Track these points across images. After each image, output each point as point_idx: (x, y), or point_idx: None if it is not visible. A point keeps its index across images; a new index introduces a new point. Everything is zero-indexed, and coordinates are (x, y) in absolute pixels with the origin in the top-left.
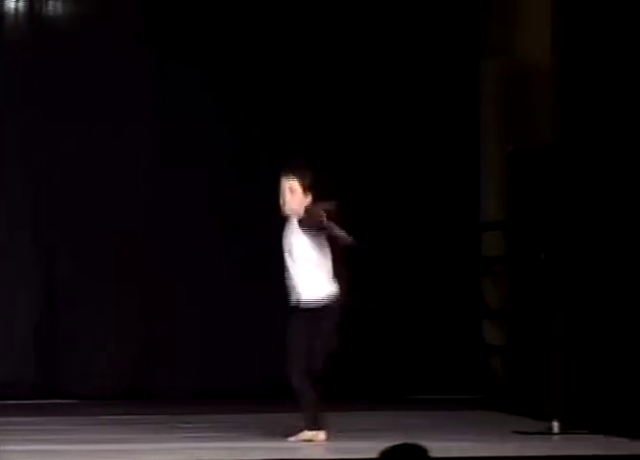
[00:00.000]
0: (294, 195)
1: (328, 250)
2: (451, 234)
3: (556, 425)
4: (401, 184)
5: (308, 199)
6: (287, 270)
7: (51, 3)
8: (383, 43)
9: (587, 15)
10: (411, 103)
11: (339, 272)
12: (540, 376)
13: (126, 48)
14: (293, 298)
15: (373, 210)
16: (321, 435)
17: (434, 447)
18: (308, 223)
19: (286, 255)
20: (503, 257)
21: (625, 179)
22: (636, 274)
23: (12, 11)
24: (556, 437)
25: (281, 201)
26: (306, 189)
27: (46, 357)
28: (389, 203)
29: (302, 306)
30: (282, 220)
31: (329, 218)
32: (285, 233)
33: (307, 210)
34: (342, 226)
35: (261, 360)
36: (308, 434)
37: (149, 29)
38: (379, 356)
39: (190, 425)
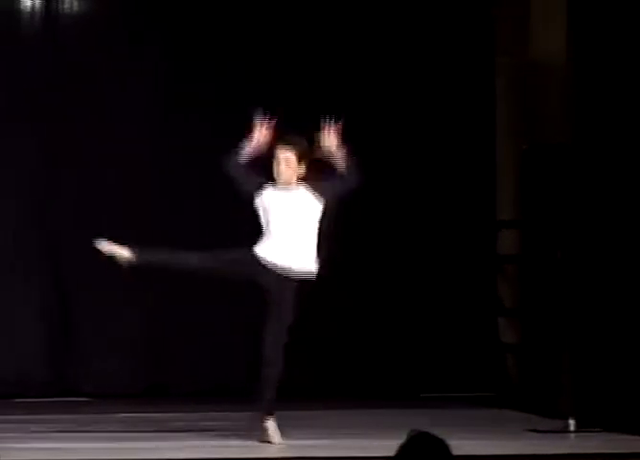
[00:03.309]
0: (289, 166)
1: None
2: (467, 232)
3: (572, 422)
4: (417, 181)
5: (302, 170)
6: (272, 236)
7: (67, 0)
8: (398, 41)
9: (602, 14)
10: (427, 102)
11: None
12: (555, 374)
13: (140, 46)
14: (280, 264)
15: (388, 207)
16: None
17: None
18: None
19: (278, 223)
20: (518, 255)
21: None
22: None
23: (29, 9)
24: (572, 435)
25: (275, 172)
26: (300, 159)
27: (59, 355)
28: (405, 201)
29: (291, 275)
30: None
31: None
32: (273, 203)
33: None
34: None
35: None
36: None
37: (163, 26)
38: (394, 354)
39: (211, 423)
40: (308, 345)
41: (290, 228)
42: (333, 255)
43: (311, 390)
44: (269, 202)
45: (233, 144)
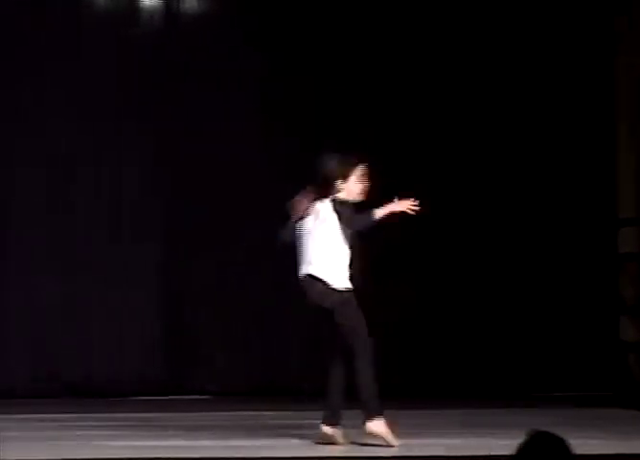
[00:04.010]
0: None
1: None
2: (587, 230)
3: None
4: (538, 180)
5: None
6: (343, 255)
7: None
8: (520, 46)
9: None
10: (548, 101)
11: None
12: None
13: (252, 47)
14: (348, 283)
15: (510, 206)
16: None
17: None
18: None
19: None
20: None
21: None
22: None
23: (149, 8)
24: None
25: (359, 190)
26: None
27: (174, 354)
28: (526, 199)
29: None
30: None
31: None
32: (351, 217)
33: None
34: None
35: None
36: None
37: (274, 29)
38: (511, 352)
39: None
40: (421, 345)
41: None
42: (450, 252)
43: (425, 390)
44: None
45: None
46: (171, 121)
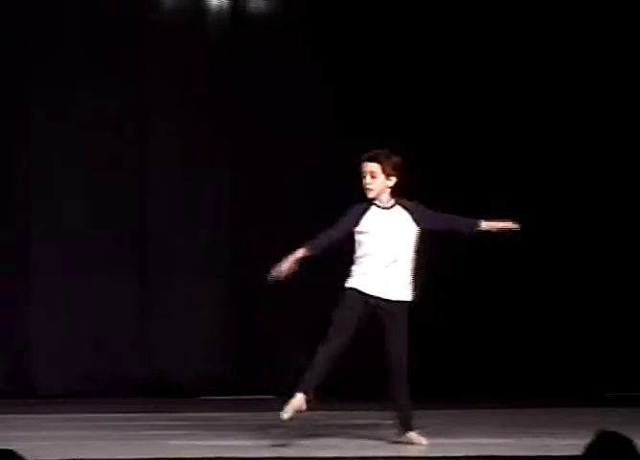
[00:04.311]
0: (375, 178)
1: None
2: None
3: None
4: (602, 182)
5: (392, 183)
6: (367, 261)
7: (253, 0)
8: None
9: None
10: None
11: None
12: None
13: (319, 48)
14: (350, 283)
15: (584, 206)
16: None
17: None
18: None
19: (373, 247)
20: None
21: None
22: None
23: (216, 8)
24: None
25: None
26: (389, 173)
27: (244, 354)
28: (600, 200)
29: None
30: None
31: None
32: (368, 226)
33: None
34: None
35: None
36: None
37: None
38: (580, 352)
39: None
40: (492, 344)
41: (386, 251)
42: (525, 253)
43: (494, 388)
44: (365, 225)
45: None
46: (244, 120)
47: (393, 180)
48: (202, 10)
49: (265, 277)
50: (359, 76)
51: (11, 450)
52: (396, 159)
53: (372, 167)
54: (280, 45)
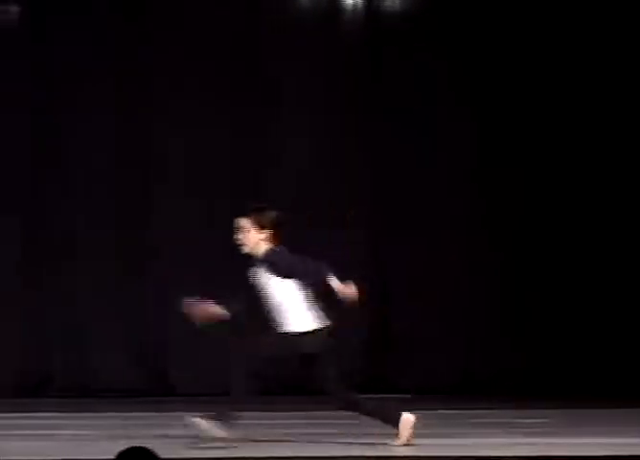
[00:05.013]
0: (247, 234)
1: None
2: None
3: None
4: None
5: (263, 236)
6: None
7: None
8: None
9: None
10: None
11: None
12: None
13: (450, 44)
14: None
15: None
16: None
17: None
18: None
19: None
20: None
21: None
22: None
23: (350, 7)
24: None
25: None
26: (261, 227)
27: (378, 351)
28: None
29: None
30: None
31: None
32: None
33: None
34: None
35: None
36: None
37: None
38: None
39: (528, 421)
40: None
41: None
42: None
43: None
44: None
45: None
46: (374, 116)
47: (265, 234)
48: (338, 8)
49: (399, 277)
50: (493, 71)
51: (144, 448)
52: (267, 215)
53: (241, 222)
54: (414, 41)
